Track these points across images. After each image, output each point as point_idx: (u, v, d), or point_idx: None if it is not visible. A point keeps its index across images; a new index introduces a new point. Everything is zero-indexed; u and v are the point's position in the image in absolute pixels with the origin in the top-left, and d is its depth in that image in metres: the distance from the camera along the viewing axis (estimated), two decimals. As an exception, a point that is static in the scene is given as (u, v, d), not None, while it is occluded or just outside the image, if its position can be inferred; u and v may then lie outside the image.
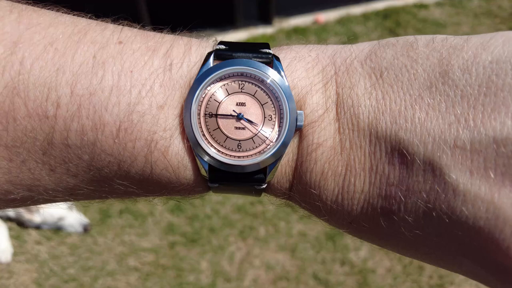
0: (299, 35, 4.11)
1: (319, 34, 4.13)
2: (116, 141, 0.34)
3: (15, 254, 2.52)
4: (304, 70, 0.37)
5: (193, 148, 0.35)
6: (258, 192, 0.39)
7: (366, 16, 4.32)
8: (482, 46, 0.31)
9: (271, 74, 0.36)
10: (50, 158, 0.34)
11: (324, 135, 0.35)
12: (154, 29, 0.40)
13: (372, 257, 2.54)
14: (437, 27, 4.17)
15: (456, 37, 0.33)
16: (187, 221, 2.72)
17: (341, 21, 4.25)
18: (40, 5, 0.36)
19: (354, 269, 2.53)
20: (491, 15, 4.33)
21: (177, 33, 0.40)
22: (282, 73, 0.36)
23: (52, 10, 0.36)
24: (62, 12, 0.37)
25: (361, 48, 0.37)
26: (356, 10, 4.36)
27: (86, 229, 2.58)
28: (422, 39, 0.34)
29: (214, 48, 0.37)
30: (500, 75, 0.29)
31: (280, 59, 0.37)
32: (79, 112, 0.33)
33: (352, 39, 4.07)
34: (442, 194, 0.30)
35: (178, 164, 0.36)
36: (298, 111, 0.36)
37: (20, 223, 2.59)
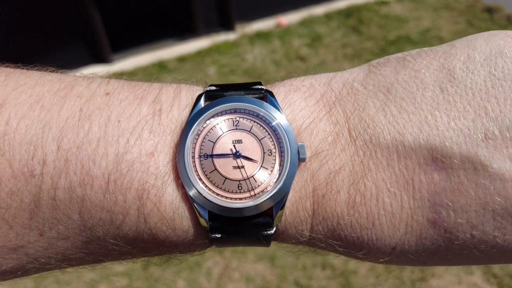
0: (262, 39, 4.08)
1: (283, 37, 4.12)
2: (106, 195, 0.32)
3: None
4: (302, 100, 0.36)
5: (188, 193, 0.33)
6: (267, 239, 0.35)
7: (328, 16, 4.34)
8: (469, 48, 0.34)
9: (266, 108, 0.35)
10: (38, 222, 0.32)
11: (340, 161, 0.34)
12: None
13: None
14: (399, 22, 4.24)
15: (441, 45, 0.35)
16: (159, 239, 2.61)
17: (304, 23, 4.25)
18: (29, 67, 0.37)
19: (335, 272, 2.50)
20: (449, 8, 4.44)
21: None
22: (278, 106, 0.35)
23: (40, 71, 0.37)
24: (50, 71, 0.37)
25: (355, 71, 0.37)
26: (318, 10, 4.38)
27: (50, 259, 2.43)
28: (412, 53, 0.36)
29: (205, 90, 0.36)
30: (497, 68, 0.32)
31: (274, 93, 0.36)
32: (67, 167, 0.32)
33: (316, 39, 4.07)
34: (491, 187, 0.31)
35: (173, 215, 0.33)
36: (299, 143, 0.34)
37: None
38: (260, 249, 2.58)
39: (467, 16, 4.27)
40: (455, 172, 0.31)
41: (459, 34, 4.06)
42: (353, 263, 2.52)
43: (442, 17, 4.32)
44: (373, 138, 0.33)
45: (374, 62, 0.37)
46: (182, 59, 3.91)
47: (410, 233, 0.33)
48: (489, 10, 4.27)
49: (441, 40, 4.00)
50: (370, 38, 4.08)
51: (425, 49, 0.36)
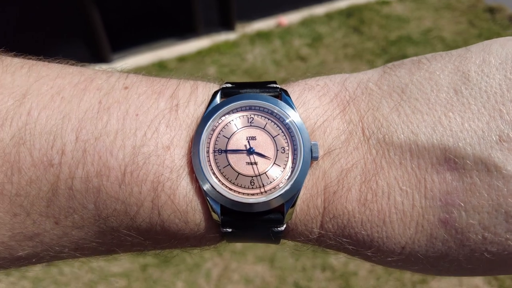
0: (263, 39, 4.06)
1: (283, 37, 4.10)
2: (122, 186, 0.33)
3: (-29, 294, 2.35)
4: (317, 99, 0.36)
5: (202, 187, 0.34)
6: (277, 236, 0.36)
7: (329, 16, 4.32)
8: (485, 52, 0.34)
9: (280, 106, 0.35)
10: (55, 210, 0.33)
11: (353, 159, 0.34)
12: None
13: (353, 259, 2.48)
14: (400, 22, 4.22)
15: (456, 50, 0.35)
16: (158, 240, 2.59)
17: (305, 23, 4.23)
18: (50, 60, 0.38)
19: (335, 273, 2.49)
20: (451, 8, 4.41)
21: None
22: (292, 104, 0.36)
23: (61, 63, 0.37)
24: (70, 64, 0.38)
25: (370, 72, 0.37)
26: (319, 10, 4.36)
27: (49, 260, 2.42)
28: (427, 56, 0.36)
29: (221, 87, 0.37)
30: None
31: (289, 92, 0.37)
32: (84, 158, 0.33)
33: (317, 39, 4.05)
34: (504, 188, 0.31)
35: (186, 208, 0.34)
36: (312, 142, 0.34)
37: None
38: (259, 250, 2.56)
39: (469, 16, 4.25)
40: (467, 173, 0.31)
41: (461, 34, 4.03)
42: (353, 265, 2.50)
43: (443, 17, 4.30)
44: (387, 137, 0.33)
45: (389, 64, 0.38)
46: (182, 59, 3.90)
47: (421, 232, 0.33)
48: (491, 10, 4.24)
49: (443, 40, 3.98)
50: (371, 38, 4.06)
51: (440, 52, 0.36)
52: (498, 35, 4.09)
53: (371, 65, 3.79)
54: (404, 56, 3.82)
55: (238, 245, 2.58)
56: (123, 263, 2.53)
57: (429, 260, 0.34)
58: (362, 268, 2.49)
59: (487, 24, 4.11)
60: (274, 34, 4.12)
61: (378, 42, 4.01)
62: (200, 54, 3.94)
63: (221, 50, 3.98)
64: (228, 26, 4.10)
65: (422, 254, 0.34)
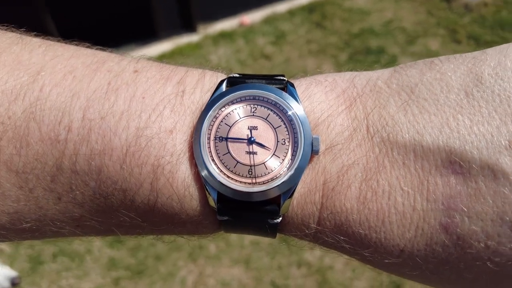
0: (226, 39, 4.03)
1: (247, 36, 4.08)
2: (123, 166, 0.33)
3: None
4: (323, 93, 0.36)
5: (200, 173, 0.34)
6: (273, 228, 0.36)
7: (291, 12, 4.33)
8: (501, 54, 0.32)
9: (284, 97, 0.35)
10: (58, 185, 0.34)
11: (354, 156, 0.33)
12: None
13: (328, 253, 2.49)
14: (362, 15, 4.27)
15: (471, 52, 0.34)
16: (129, 252, 2.55)
17: (268, 21, 4.23)
18: (66, 41, 0.39)
19: (311, 269, 2.50)
20: (410, -1, 4.50)
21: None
22: (297, 97, 0.36)
23: (77, 45, 0.39)
24: (86, 47, 0.39)
25: (380, 71, 0.37)
26: (281, 7, 4.36)
27: (14, 283, 2.32)
28: (440, 57, 0.35)
29: (228, 76, 0.38)
30: None
31: (295, 85, 0.37)
32: (89, 136, 0.33)
33: (280, 37, 4.06)
34: (510, 196, 0.29)
35: (184, 192, 0.34)
36: (314, 136, 0.34)
37: None
38: (234, 253, 2.54)
39: (427, 6, 4.35)
40: (473, 178, 0.30)
41: (420, 24, 4.12)
42: (328, 259, 2.52)
43: (403, 8, 4.38)
44: (391, 135, 0.33)
45: (402, 64, 0.37)
46: (145, 64, 3.82)
47: (421, 236, 0.32)
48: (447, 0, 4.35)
49: (404, 31, 4.05)
50: (334, 32, 4.10)
51: (455, 54, 0.35)
52: (455, 23, 4.19)
53: (335, 59, 3.83)
54: (368, 49, 3.87)
55: (212, 249, 2.56)
56: (94, 278, 2.47)
57: (428, 266, 0.33)
58: (337, 261, 2.52)
59: (445, 13, 4.22)
60: (237, 34, 4.10)
61: (341, 36, 4.05)
62: (163, 57, 3.88)
63: (184, 52, 3.92)
64: (189, 28, 4.05)
65: (421, 259, 0.33)
